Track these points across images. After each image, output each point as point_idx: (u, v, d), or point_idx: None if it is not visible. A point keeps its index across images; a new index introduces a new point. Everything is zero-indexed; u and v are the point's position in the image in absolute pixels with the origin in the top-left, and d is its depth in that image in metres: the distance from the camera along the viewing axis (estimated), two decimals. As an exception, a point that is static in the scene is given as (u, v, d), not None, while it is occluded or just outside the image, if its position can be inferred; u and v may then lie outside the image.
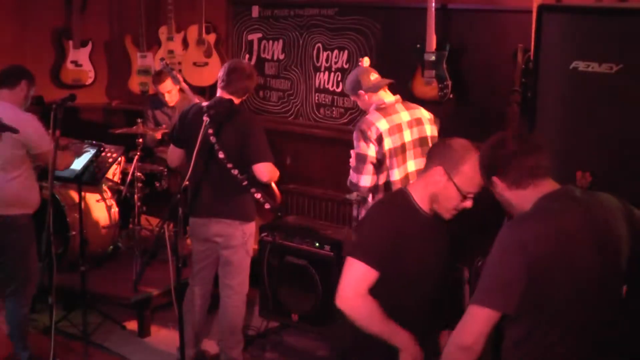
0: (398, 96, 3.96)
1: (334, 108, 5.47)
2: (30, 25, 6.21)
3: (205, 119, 3.69)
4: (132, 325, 4.82)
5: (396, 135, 3.82)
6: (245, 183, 3.92)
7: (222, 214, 3.98)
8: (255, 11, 5.79)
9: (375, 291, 2.56)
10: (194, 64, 5.95)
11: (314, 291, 4.66)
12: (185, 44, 6.04)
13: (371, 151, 3.77)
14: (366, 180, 3.80)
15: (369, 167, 3.79)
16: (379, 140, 3.77)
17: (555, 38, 3.15)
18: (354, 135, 3.84)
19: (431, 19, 4.54)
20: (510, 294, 2.14)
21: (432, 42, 4.58)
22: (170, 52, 6.06)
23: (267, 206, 4.02)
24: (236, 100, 3.98)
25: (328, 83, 5.46)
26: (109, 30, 6.62)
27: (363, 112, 5.23)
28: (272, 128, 5.81)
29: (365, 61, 4.10)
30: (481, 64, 4.66)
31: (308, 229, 4.90)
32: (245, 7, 5.85)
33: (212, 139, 3.81)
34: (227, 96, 3.95)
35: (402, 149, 3.85)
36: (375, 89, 3.88)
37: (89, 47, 6.35)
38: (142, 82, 6.22)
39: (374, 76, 3.91)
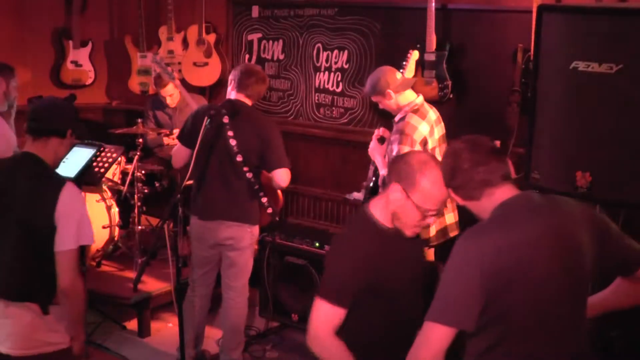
0: (422, 96, 3.98)
1: (334, 108, 5.47)
2: (30, 25, 6.21)
3: (226, 120, 3.73)
4: (132, 325, 4.82)
5: (433, 135, 3.87)
6: (256, 187, 3.93)
7: (235, 217, 3.97)
8: (255, 11, 5.79)
9: (354, 317, 2.51)
10: (194, 64, 5.95)
11: (314, 291, 4.65)
12: (185, 44, 6.04)
13: None
14: None
15: None
16: (424, 144, 3.79)
17: (555, 38, 3.15)
18: (395, 137, 3.78)
19: (431, 19, 4.54)
20: (467, 310, 2.09)
21: (432, 42, 4.58)
22: (170, 52, 6.06)
23: (269, 210, 4.03)
24: (250, 104, 3.99)
25: (328, 83, 5.46)
26: (109, 30, 6.62)
27: (363, 112, 5.28)
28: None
29: (415, 54, 4.05)
30: (481, 64, 4.66)
31: (308, 229, 4.91)
32: (245, 7, 5.85)
33: (232, 141, 3.82)
34: (242, 99, 3.95)
35: (434, 149, 3.89)
36: (403, 87, 3.88)
37: (89, 47, 6.35)
38: (142, 82, 6.22)
39: (399, 75, 3.90)
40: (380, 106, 4.02)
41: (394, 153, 3.75)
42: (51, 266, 2.72)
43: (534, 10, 3.80)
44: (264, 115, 4.39)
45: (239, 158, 3.84)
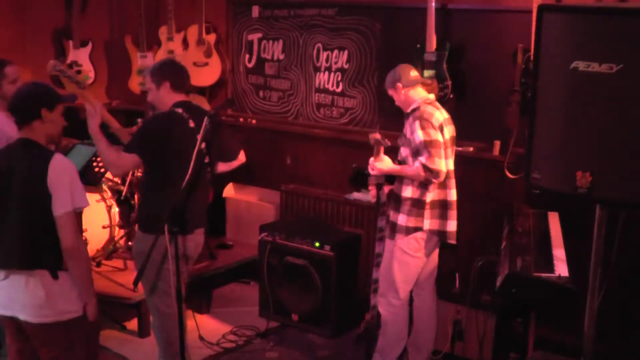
0: (434, 95, 4.08)
1: (334, 108, 5.47)
2: (30, 25, 6.21)
3: (192, 124, 3.62)
4: (132, 325, 4.82)
5: (447, 127, 3.95)
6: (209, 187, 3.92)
7: (204, 222, 3.81)
8: (255, 11, 5.80)
9: None
10: (194, 64, 5.95)
11: (314, 291, 4.66)
12: (185, 44, 6.04)
13: (440, 137, 3.84)
14: (444, 164, 3.84)
15: (443, 152, 3.84)
16: (441, 129, 3.87)
17: (555, 38, 3.14)
18: (417, 125, 3.84)
19: (431, 19, 4.54)
20: None
21: (432, 42, 4.58)
22: (170, 52, 6.06)
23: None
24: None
25: (328, 83, 5.46)
26: (109, 30, 6.62)
27: (363, 112, 5.28)
28: (272, 128, 5.82)
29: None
30: (481, 64, 4.66)
31: (308, 229, 4.91)
32: (245, 7, 5.85)
33: (202, 144, 3.73)
34: (184, 98, 3.79)
35: (446, 143, 3.94)
36: (412, 83, 3.97)
37: (89, 47, 6.35)
38: (142, 82, 6.21)
39: (414, 73, 4.01)
40: (395, 99, 4.06)
41: (421, 139, 3.81)
42: (54, 233, 3.00)
43: (534, 10, 3.81)
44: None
45: (207, 160, 3.74)
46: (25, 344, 3.13)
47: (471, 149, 4.66)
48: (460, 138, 4.43)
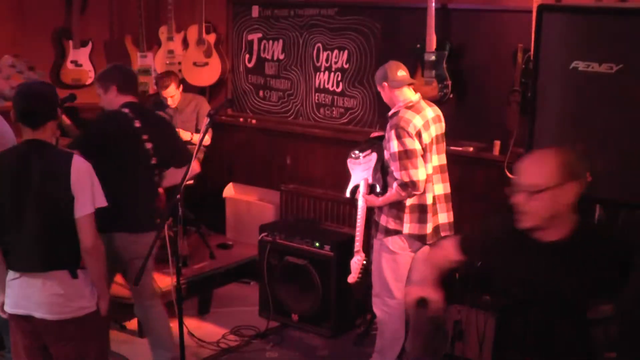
0: (419, 94, 4.02)
1: (334, 108, 5.47)
2: (30, 25, 6.20)
3: (138, 124, 3.71)
4: (132, 325, 4.82)
5: (428, 130, 3.89)
6: (159, 189, 3.91)
7: (153, 224, 3.77)
8: (255, 11, 5.80)
9: None
10: (194, 64, 5.96)
11: (314, 291, 4.66)
12: (185, 44, 6.04)
13: (417, 145, 3.80)
14: (422, 173, 3.79)
15: (420, 160, 3.80)
16: (419, 136, 3.82)
17: (555, 38, 3.15)
18: (392, 134, 3.81)
19: (431, 19, 4.54)
20: None
21: (432, 42, 4.58)
22: (170, 52, 6.06)
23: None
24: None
25: (328, 83, 5.46)
26: (109, 30, 6.62)
27: (363, 112, 5.28)
28: (272, 128, 5.83)
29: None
30: (481, 64, 4.66)
31: (308, 229, 4.91)
32: (245, 7, 5.86)
33: (148, 145, 3.74)
34: (133, 100, 3.85)
35: (431, 144, 3.91)
36: (398, 84, 3.92)
37: (89, 47, 6.35)
38: (142, 82, 6.21)
39: (402, 73, 3.95)
40: (382, 96, 4.06)
41: (395, 150, 3.79)
42: (73, 233, 2.98)
43: (534, 10, 3.80)
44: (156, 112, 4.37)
45: (154, 161, 3.76)
46: (34, 342, 3.11)
47: (471, 149, 4.66)
48: (460, 138, 4.43)
